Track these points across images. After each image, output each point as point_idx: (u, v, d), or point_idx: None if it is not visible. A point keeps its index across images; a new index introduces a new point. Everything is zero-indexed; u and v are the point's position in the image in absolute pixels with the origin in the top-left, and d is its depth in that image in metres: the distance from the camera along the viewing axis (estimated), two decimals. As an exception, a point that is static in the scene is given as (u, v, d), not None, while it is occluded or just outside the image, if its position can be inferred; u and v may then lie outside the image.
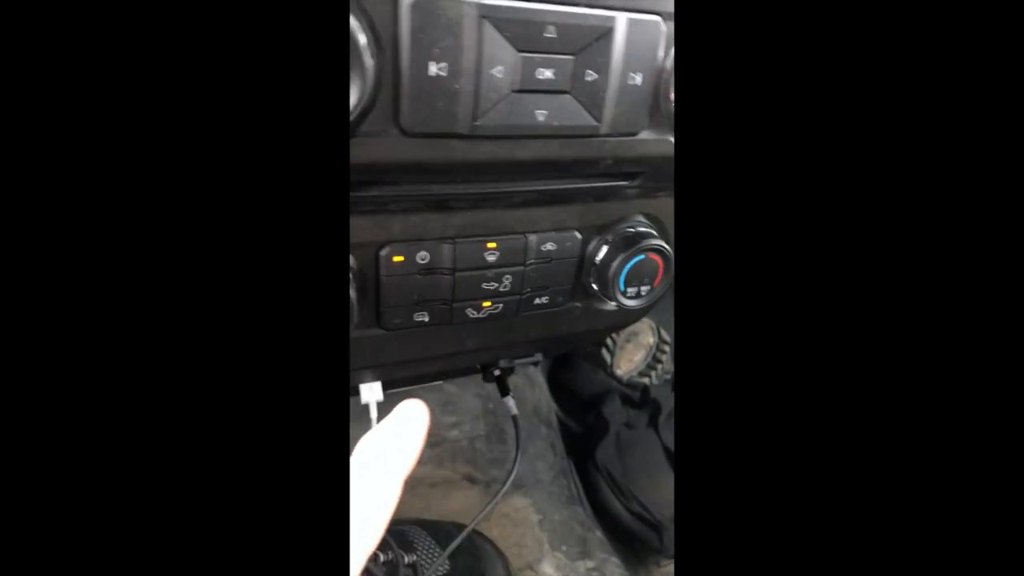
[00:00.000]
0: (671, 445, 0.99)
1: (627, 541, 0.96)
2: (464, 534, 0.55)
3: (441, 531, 0.69)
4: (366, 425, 0.30)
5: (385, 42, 0.28)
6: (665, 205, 0.45)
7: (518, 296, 0.43)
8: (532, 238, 0.41)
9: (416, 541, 0.68)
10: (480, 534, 0.74)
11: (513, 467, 0.54)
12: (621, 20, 0.31)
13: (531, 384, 1.09)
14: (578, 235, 0.42)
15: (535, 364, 0.64)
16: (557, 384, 1.15)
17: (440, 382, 0.66)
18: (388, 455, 0.25)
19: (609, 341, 1.13)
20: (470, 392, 1.02)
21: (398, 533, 0.68)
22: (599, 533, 0.92)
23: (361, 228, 0.36)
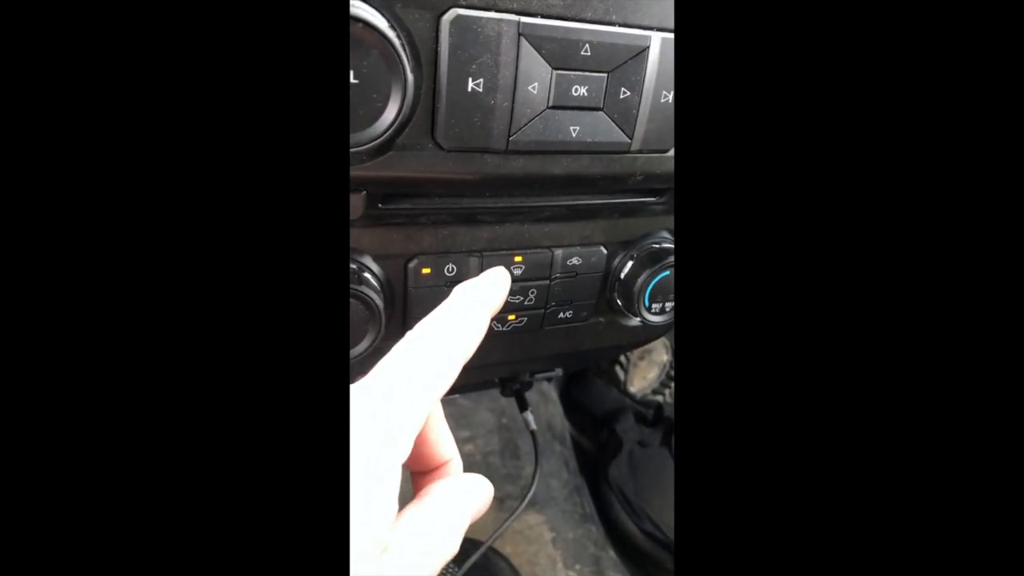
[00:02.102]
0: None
1: (639, 561, 0.94)
2: (481, 551, 0.55)
3: (454, 546, 0.68)
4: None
5: (424, 58, 0.28)
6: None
7: (543, 310, 0.43)
8: (558, 252, 0.41)
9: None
10: (495, 551, 0.73)
11: (532, 482, 0.53)
12: (656, 40, 0.31)
13: (545, 400, 1.08)
14: (603, 250, 0.43)
15: (548, 380, 0.64)
16: (570, 401, 1.15)
17: (455, 395, 0.66)
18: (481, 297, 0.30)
19: (623, 358, 1.12)
20: (484, 406, 1.02)
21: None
22: (612, 552, 0.91)
23: (391, 240, 0.36)
